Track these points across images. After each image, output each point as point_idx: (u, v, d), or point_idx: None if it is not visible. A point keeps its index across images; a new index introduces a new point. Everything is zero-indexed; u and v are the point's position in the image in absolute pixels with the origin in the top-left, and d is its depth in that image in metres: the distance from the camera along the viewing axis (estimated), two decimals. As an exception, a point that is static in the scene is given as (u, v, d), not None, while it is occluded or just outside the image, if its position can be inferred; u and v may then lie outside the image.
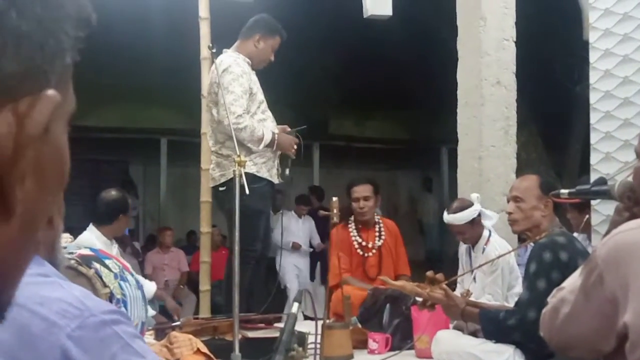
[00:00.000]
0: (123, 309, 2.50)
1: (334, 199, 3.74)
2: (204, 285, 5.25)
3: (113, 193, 4.43)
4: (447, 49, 5.54)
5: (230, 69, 4.31)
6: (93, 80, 8.26)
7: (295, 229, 8.41)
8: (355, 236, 4.90)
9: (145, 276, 7.88)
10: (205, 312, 5.16)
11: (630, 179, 1.72)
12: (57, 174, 0.57)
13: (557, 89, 9.36)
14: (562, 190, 2.01)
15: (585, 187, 1.92)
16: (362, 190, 4.84)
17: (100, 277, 2.52)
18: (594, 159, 3.37)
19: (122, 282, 2.57)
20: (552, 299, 1.61)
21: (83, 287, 2.32)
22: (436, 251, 11.55)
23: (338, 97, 10.61)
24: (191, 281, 7.85)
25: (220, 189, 4.43)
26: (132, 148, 9.75)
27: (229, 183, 4.09)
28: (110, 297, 2.48)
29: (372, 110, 11.10)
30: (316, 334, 2.48)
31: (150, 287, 4.11)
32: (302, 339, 2.70)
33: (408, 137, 11.64)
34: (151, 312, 4.02)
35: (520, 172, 4.82)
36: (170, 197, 10.03)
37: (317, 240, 8.60)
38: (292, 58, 8.29)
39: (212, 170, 4.55)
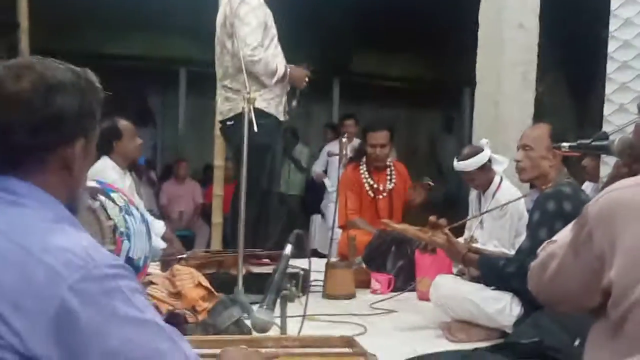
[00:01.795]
0: (126, 241, 2.56)
1: (344, 139, 3.73)
2: (217, 218, 5.34)
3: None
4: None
5: (247, 0, 4.24)
6: (112, 7, 8.19)
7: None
8: (366, 178, 4.89)
9: (160, 207, 7.99)
10: (217, 244, 5.26)
11: (630, 135, 1.70)
12: None
13: (585, 33, 9.08)
14: (563, 144, 2.00)
15: (586, 141, 1.90)
16: (380, 137, 4.78)
17: (105, 210, 2.57)
18: (607, 109, 3.31)
19: (126, 216, 2.62)
20: (541, 252, 1.62)
21: (89, 223, 2.36)
22: (454, 194, 11.50)
23: (360, 34, 10.41)
24: (205, 213, 7.96)
25: (228, 123, 4.42)
26: (151, 78, 9.71)
27: (237, 118, 4.09)
28: (114, 230, 2.54)
29: (394, 48, 10.90)
30: (309, 272, 2.53)
31: (159, 227, 4.16)
32: (297, 278, 2.74)
33: (430, 76, 11.45)
34: (162, 244, 4.09)
35: (541, 117, 4.72)
36: (189, 128, 10.04)
37: None
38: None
39: (220, 103, 4.52)
